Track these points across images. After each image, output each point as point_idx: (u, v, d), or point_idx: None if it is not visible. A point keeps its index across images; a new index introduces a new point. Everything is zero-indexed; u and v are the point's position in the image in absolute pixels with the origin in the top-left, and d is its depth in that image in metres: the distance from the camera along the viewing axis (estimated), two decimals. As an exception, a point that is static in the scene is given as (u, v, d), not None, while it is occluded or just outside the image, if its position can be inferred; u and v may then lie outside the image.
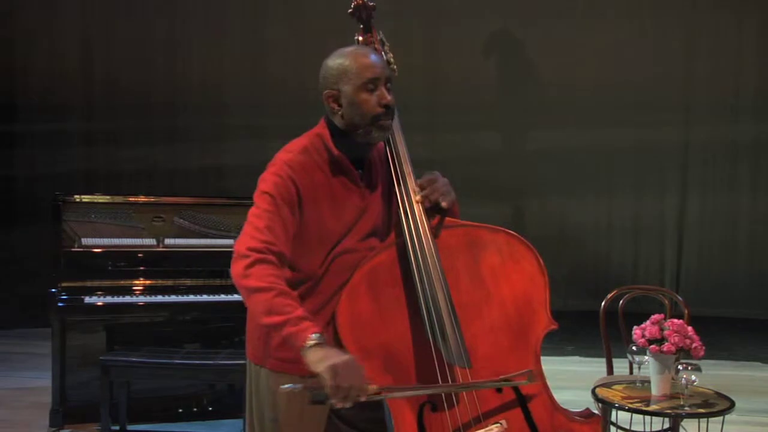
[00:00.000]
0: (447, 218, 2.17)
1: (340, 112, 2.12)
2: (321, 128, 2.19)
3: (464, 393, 2.04)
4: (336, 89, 2.11)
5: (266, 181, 2.08)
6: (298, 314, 1.90)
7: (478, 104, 7.80)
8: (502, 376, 2.07)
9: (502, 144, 7.84)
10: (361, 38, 2.34)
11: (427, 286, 2.05)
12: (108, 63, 8.10)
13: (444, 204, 2.13)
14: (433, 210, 2.14)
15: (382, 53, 2.31)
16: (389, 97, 2.10)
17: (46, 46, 8.06)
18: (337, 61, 2.12)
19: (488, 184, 7.73)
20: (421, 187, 2.16)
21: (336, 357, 1.84)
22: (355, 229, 2.15)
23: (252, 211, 2.06)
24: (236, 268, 1.98)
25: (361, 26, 2.36)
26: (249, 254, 1.96)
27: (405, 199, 2.14)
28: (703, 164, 7.80)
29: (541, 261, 2.16)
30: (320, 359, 1.83)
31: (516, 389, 2.09)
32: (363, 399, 1.86)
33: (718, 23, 7.69)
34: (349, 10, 2.35)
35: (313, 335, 1.86)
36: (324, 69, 2.15)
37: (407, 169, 2.18)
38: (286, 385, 1.88)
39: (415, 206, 2.13)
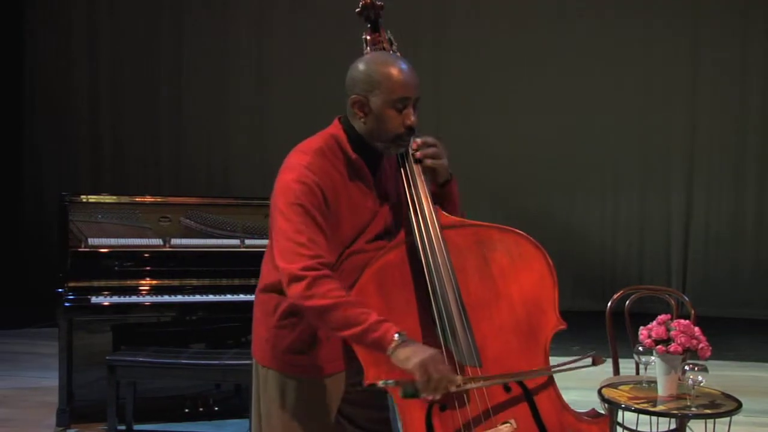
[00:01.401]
0: (457, 218, 2.17)
1: (362, 120, 2.09)
2: (336, 129, 2.15)
3: (475, 392, 2.04)
4: (364, 96, 2.07)
5: (292, 190, 2.02)
6: (374, 319, 1.91)
7: (483, 105, 7.80)
8: (562, 364, 2.09)
9: (507, 143, 7.83)
10: (368, 37, 2.32)
11: (437, 286, 2.05)
12: (114, 61, 8.13)
13: (429, 162, 2.14)
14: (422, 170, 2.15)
15: (391, 51, 2.29)
16: (414, 119, 2.08)
17: (53, 46, 8.09)
18: (372, 68, 2.08)
19: (494, 184, 7.74)
20: (423, 141, 2.16)
21: (422, 353, 1.87)
22: (366, 231, 2.15)
23: (284, 225, 2.00)
24: (295, 291, 1.95)
25: (369, 26, 2.34)
26: (305, 275, 1.93)
27: (414, 198, 2.14)
28: (709, 163, 7.80)
29: (550, 261, 2.17)
30: (407, 357, 1.86)
31: (525, 388, 2.09)
32: (452, 390, 1.90)
33: (724, 19, 7.67)
34: (357, 10, 2.33)
35: (396, 335, 1.88)
36: (356, 71, 2.10)
37: (417, 169, 2.17)
38: (381, 382, 1.92)
39: (425, 205, 2.12)
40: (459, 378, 1.92)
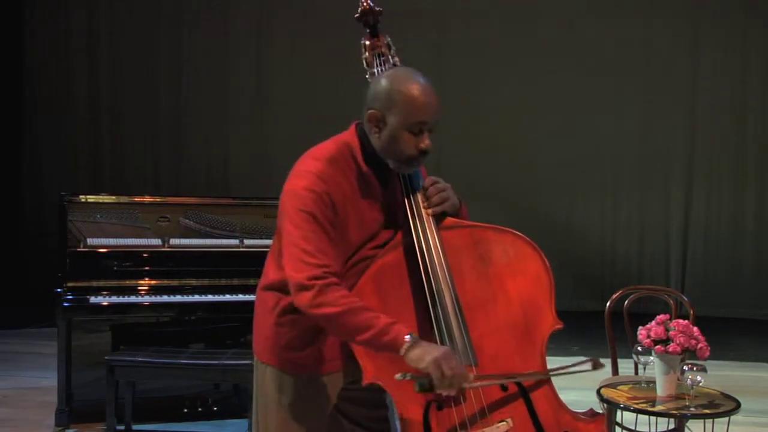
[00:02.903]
0: (454, 219, 2.18)
1: (377, 135, 2.08)
2: (351, 137, 2.14)
3: (471, 391, 2.05)
4: (381, 113, 2.05)
5: (301, 198, 2.02)
6: (385, 323, 1.92)
7: (484, 105, 7.81)
8: (562, 367, 2.09)
9: (507, 143, 7.83)
10: (367, 42, 2.32)
11: (434, 286, 2.05)
12: (114, 61, 8.13)
13: (435, 210, 2.14)
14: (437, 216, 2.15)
15: (389, 56, 2.30)
16: (428, 143, 2.07)
17: (53, 46, 8.10)
18: (394, 87, 2.05)
19: (494, 184, 7.74)
20: (425, 189, 2.16)
21: (435, 351, 1.89)
22: (373, 240, 2.15)
23: (293, 232, 2.00)
24: (303, 300, 1.96)
25: (368, 31, 2.34)
26: (312, 284, 1.94)
27: (412, 199, 2.14)
28: (709, 164, 7.80)
29: (547, 261, 2.17)
30: (420, 357, 1.89)
31: (522, 388, 2.10)
32: (465, 386, 1.93)
33: (724, 20, 7.67)
34: (356, 15, 2.33)
35: (407, 337, 1.90)
36: (378, 86, 2.08)
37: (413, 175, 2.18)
38: (398, 375, 1.93)
39: (422, 206, 2.13)
40: (472, 375, 1.94)
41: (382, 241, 2.15)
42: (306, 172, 2.05)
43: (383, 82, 2.08)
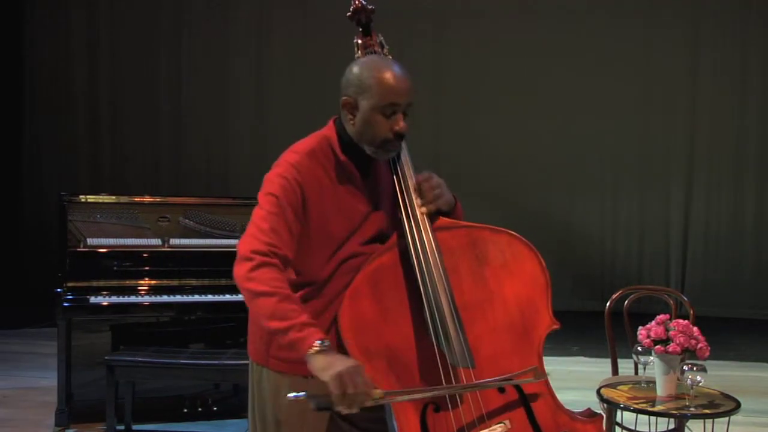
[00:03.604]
0: (450, 219, 2.17)
1: (352, 122, 2.10)
2: (329, 130, 2.17)
3: (468, 393, 2.04)
4: (354, 99, 2.07)
5: (272, 183, 2.06)
6: (302, 320, 1.89)
7: (483, 105, 7.81)
8: (505, 375, 2.07)
9: (507, 143, 7.83)
10: (360, 41, 2.32)
11: (429, 288, 2.04)
12: (114, 61, 8.13)
13: (429, 208, 2.12)
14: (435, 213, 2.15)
15: (382, 54, 2.30)
16: (403, 125, 2.07)
17: (53, 46, 8.10)
18: (364, 72, 2.07)
19: (493, 184, 7.74)
20: (419, 185, 2.14)
21: (340, 364, 1.82)
22: (358, 233, 2.15)
23: (256, 212, 2.05)
24: (239, 270, 1.97)
25: (360, 29, 2.34)
26: (253, 257, 1.95)
27: (406, 199, 2.14)
28: (709, 164, 7.80)
29: (543, 262, 2.16)
30: (324, 367, 1.83)
31: (519, 389, 2.09)
32: (369, 404, 1.85)
33: (724, 20, 7.68)
34: (348, 14, 2.33)
35: (317, 342, 1.86)
36: (350, 73, 2.10)
37: (408, 171, 2.17)
38: (291, 394, 1.86)
39: (417, 207, 2.12)
40: (377, 392, 1.86)
41: (368, 236, 2.15)
42: (283, 162, 2.11)
43: (354, 69, 2.10)
